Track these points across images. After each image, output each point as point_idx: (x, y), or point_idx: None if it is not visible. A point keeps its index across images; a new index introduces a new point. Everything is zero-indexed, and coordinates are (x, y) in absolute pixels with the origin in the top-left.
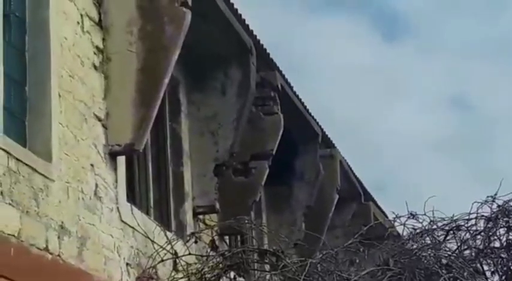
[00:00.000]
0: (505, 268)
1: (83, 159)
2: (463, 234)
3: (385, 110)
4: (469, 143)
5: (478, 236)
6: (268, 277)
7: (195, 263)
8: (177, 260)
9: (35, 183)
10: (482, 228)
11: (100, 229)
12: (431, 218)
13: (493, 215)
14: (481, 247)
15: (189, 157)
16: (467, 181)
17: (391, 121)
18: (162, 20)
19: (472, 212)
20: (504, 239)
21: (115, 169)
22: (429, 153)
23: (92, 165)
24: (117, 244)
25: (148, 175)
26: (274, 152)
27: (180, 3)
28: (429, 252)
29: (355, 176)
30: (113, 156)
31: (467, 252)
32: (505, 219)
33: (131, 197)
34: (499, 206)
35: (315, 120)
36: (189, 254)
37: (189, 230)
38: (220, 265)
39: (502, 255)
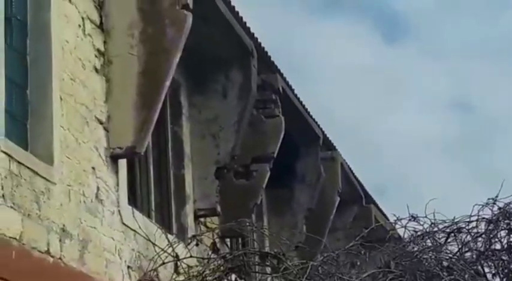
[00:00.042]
0: (506, 270)
1: (85, 162)
2: (464, 236)
3: (386, 111)
4: (470, 144)
5: (479, 239)
6: (269, 279)
7: (196, 266)
8: (178, 263)
9: (36, 186)
10: (483, 230)
11: (101, 232)
12: (432, 221)
13: (494, 218)
14: (482, 249)
15: (190, 160)
16: (468, 182)
17: (392, 122)
18: (163, 23)
19: (473, 214)
20: (505, 241)
21: (116, 172)
22: (430, 154)
23: (93, 168)
24: (119, 246)
25: (150, 178)
26: (275, 154)
27: (181, 6)
28: (430, 254)
29: (356, 179)
30: (114, 159)
31: (468, 254)
32: (506, 221)
33: (132, 200)
34: (500, 208)
35: (316, 122)
36: (190, 256)
37: (190, 232)
38: (222, 268)
39: (503, 257)
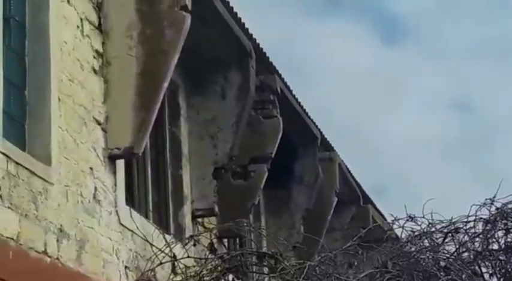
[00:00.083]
0: (503, 270)
1: (82, 162)
2: (461, 236)
3: (386, 111)
4: (470, 144)
5: (477, 239)
6: (266, 279)
7: (194, 266)
8: (176, 263)
9: (34, 186)
10: (480, 230)
11: (99, 232)
12: (430, 221)
13: (491, 218)
14: (479, 249)
15: (188, 160)
16: (468, 182)
17: (392, 123)
18: (161, 24)
19: (470, 214)
20: (502, 241)
21: (114, 173)
22: (429, 155)
23: (91, 168)
24: (116, 247)
25: (148, 178)
26: (273, 155)
27: (180, 7)
28: (428, 254)
29: (354, 179)
30: (112, 159)
31: (465, 254)
32: (503, 221)
33: (130, 201)
34: (497, 208)
35: (314, 123)
36: (188, 257)
37: (188, 233)
38: (219, 268)
39: (501, 257)
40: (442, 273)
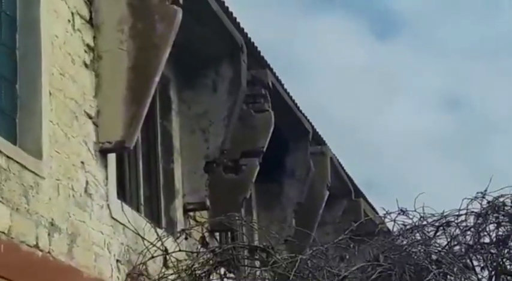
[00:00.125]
0: (494, 264)
1: (74, 156)
2: (453, 230)
3: (380, 108)
4: (464, 142)
5: (468, 232)
6: (258, 273)
7: (186, 260)
8: (168, 257)
9: (25, 180)
10: (472, 224)
11: (90, 226)
12: (422, 214)
13: (483, 211)
14: (470, 242)
15: (180, 154)
16: (463, 179)
17: (386, 119)
18: (153, 18)
19: (462, 208)
20: (494, 234)
21: (105, 166)
22: (424, 152)
23: (82, 162)
24: (108, 240)
25: (139, 172)
26: (264, 149)
27: (171, 1)
28: (419, 248)
29: (346, 173)
30: (103, 153)
31: (457, 248)
32: (494, 215)
33: (121, 194)
34: (489, 202)
35: (306, 117)
36: (180, 250)
37: (180, 226)
38: (211, 262)
39: (492, 251)
40: (433, 266)
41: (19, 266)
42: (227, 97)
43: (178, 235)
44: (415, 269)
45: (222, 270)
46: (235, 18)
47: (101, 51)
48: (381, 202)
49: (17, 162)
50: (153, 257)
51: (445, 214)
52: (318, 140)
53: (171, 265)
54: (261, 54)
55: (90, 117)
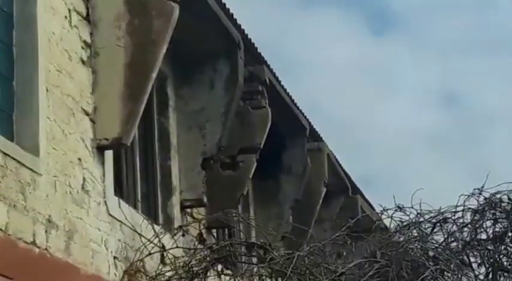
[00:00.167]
0: (491, 260)
1: (71, 153)
2: (450, 226)
3: (376, 104)
4: (459, 137)
5: (465, 229)
6: (255, 269)
7: (183, 257)
8: (165, 254)
9: (22, 177)
10: (469, 220)
11: (87, 223)
12: (419, 211)
13: (479, 208)
14: (467, 239)
15: (177, 151)
16: (457, 175)
17: (382, 116)
18: (150, 15)
19: (459, 204)
20: (491, 231)
21: (102, 163)
22: (421, 148)
23: (79, 159)
24: (105, 237)
25: (136, 169)
26: (262, 145)
27: None
28: (416, 244)
29: (343, 170)
30: (100, 150)
31: (454, 244)
32: (491, 211)
33: (119, 191)
34: (485, 198)
35: (303, 113)
36: (177, 247)
37: (177, 223)
38: (208, 258)
39: (489, 247)
40: (430, 263)
41: (16, 263)
42: (224, 94)
43: (176, 231)
44: (412, 265)
45: (219, 267)
46: (232, 15)
47: (98, 47)
48: (378, 199)
49: (14, 159)
50: (150, 253)
51: (442, 210)
52: (315, 137)
53: (168, 261)
54: (258, 50)
55: (87, 114)
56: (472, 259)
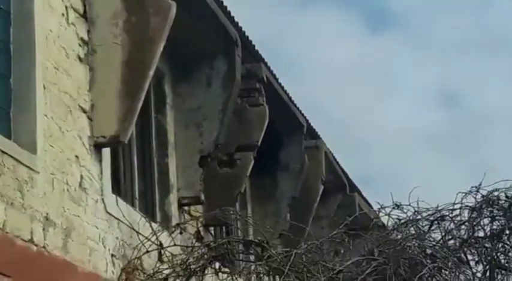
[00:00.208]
0: (489, 258)
1: (68, 151)
2: (447, 224)
3: (374, 103)
4: (458, 136)
5: (463, 226)
6: (253, 267)
7: (180, 254)
8: (162, 251)
9: (19, 175)
10: (466, 218)
11: (85, 220)
12: (416, 209)
13: (477, 205)
14: (465, 237)
15: (174, 149)
16: (458, 175)
17: (380, 114)
18: (147, 12)
19: (456, 202)
20: (488, 229)
21: (100, 161)
22: (419, 146)
23: (76, 157)
24: (102, 235)
25: (134, 167)
26: (259, 143)
27: None
28: (414, 242)
29: (340, 167)
30: (98, 148)
31: (451, 242)
32: (489, 209)
33: (116, 189)
34: (483, 196)
35: (300, 111)
36: (174, 245)
37: (174, 221)
38: (205, 256)
39: (486, 245)
40: (428, 260)
41: (14, 260)
42: (222, 91)
43: (173, 229)
44: (409, 263)
45: (217, 264)
46: (230, 12)
47: (95, 45)
48: (376, 197)
49: (12, 156)
50: (148, 251)
51: (439, 208)
52: (313, 134)
53: (166, 259)
54: (256, 48)
55: (85, 112)
56: (470, 257)
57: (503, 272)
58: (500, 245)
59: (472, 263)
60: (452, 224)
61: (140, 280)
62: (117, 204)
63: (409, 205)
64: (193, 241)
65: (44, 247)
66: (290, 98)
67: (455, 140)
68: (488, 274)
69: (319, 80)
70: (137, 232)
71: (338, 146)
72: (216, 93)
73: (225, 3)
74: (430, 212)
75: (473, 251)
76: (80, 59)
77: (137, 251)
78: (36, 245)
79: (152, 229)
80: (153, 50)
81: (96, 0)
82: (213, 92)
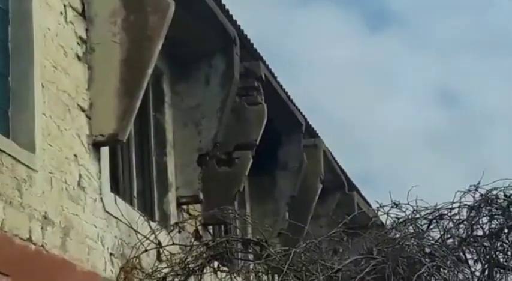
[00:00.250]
0: (487, 257)
1: (67, 149)
2: (446, 223)
3: (373, 102)
4: (457, 135)
5: (461, 225)
6: (252, 266)
7: (179, 253)
8: (161, 250)
9: (18, 174)
10: (465, 217)
11: (83, 219)
12: (415, 207)
13: (475, 204)
14: (464, 235)
15: (173, 147)
16: (457, 173)
17: (379, 113)
18: (145, 11)
19: (455, 201)
20: (487, 227)
21: (98, 159)
22: (418, 145)
23: (75, 155)
24: (101, 234)
25: (132, 165)
26: (257, 142)
27: None
28: (412, 241)
29: (339, 166)
30: (96, 146)
31: (450, 241)
32: (487, 208)
33: (115, 188)
34: (481, 195)
35: (299, 110)
36: (173, 244)
37: (173, 220)
38: (204, 255)
39: (485, 244)
40: (426, 259)
41: (12, 259)
42: (220, 90)
43: (172, 228)
44: (408, 262)
45: (216, 263)
46: (228, 11)
47: (94, 43)
48: (374, 195)
49: (10, 155)
50: (146, 250)
51: (438, 207)
52: (311, 133)
53: (164, 258)
54: (254, 46)
55: (83, 110)
56: (468, 256)
57: (501, 271)
58: (498, 244)
59: (470, 262)
60: (451, 223)
61: (139, 279)
62: (115, 203)
63: (408, 203)
64: (192, 240)
65: (42, 245)
66: (289, 97)
67: (455, 140)
68: (487, 272)
69: (319, 80)
70: (136, 231)
71: (338, 146)
72: (215, 91)
73: (223, 2)
74: (428, 211)
75: (472, 250)
76: (79, 58)
77: (136, 250)
78: (34, 244)
79: (151, 228)
80: (151, 48)
81: None
82: (211, 91)
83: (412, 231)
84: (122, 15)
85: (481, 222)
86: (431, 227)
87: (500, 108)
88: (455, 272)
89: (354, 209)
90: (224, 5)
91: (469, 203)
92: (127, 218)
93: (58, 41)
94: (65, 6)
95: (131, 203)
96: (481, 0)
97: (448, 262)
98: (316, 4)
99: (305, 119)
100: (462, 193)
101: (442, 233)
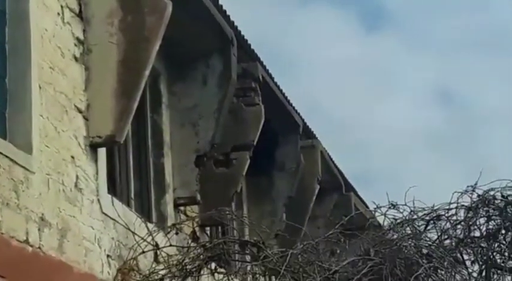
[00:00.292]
0: (485, 258)
1: (64, 151)
2: (443, 224)
3: (371, 102)
4: (455, 135)
5: (458, 226)
6: (249, 267)
7: (176, 255)
8: (158, 252)
9: (15, 175)
10: (462, 218)
11: (80, 221)
12: (412, 208)
13: (473, 205)
14: (461, 236)
15: (170, 148)
16: (454, 174)
17: (376, 114)
18: (142, 11)
19: (452, 202)
20: (484, 228)
21: (96, 161)
22: (415, 146)
23: (72, 157)
24: (98, 235)
25: (129, 167)
26: (255, 142)
27: None
28: (410, 242)
29: (336, 167)
30: (93, 148)
31: (447, 242)
32: (485, 209)
33: (112, 189)
34: (479, 195)
35: (296, 111)
36: (170, 245)
37: (170, 221)
38: (201, 256)
39: (482, 244)
40: (424, 260)
41: (9, 261)
42: (217, 90)
43: (169, 229)
44: (405, 263)
45: (213, 265)
46: (226, 11)
47: (91, 44)
48: (372, 196)
49: (7, 157)
50: (143, 252)
51: (435, 207)
52: (309, 134)
53: (161, 260)
54: (251, 47)
55: (80, 112)
56: (466, 257)
57: (499, 271)
58: (496, 245)
59: (468, 263)
60: (448, 224)
61: None
62: (112, 204)
63: (405, 204)
64: (189, 242)
65: (39, 247)
66: (286, 98)
67: (454, 140)
68: (484, 273)
69: (319, 80)
70: (133, 233)
71: (338, 146)
72: (212, 92)
73: (220, 3)
74: (426, 212)
75: (469, 250)
76: (76, 59)
77: (133, 252)
78: (31, 245)
79: (148, 230)
80: (148, 49)
81: None
82: (208, 91)
83: (409, 232)
84: (119, 16)
85: (478, 223)
86: (428, 228)
87: (499, 109)
88: (453, 273)
89: (351, 210)
90: (221, 6)
91: (466, 204)
92: (124, 219)
93: (55, 42)
94: (62, 7)
95: (128, 205)
96: (481, 1)
97: (445, 263)
98: (316, 4)
99: (302, 120)
100: (459, 193)
101: (439, 234)
